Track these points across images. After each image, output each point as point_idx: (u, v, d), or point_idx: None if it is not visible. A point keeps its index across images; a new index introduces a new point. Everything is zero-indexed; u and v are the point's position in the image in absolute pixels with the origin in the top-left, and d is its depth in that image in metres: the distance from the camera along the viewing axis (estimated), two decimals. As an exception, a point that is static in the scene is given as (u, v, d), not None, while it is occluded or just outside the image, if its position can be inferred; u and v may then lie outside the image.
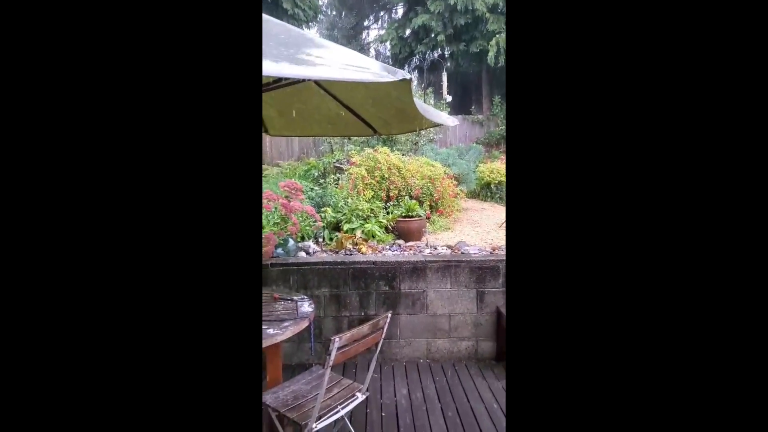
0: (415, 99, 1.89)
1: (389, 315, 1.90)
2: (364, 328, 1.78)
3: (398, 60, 12.71)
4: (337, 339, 1.63)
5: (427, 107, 2.12)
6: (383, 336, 1.91)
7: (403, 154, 5.89)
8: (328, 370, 1.69)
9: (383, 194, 4.76)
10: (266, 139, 8.52)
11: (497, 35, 10.07)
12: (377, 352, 2.00)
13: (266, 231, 3.29)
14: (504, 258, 3.26)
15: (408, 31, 12.17)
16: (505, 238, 4.32)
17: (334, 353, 1.64)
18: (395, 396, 2.72)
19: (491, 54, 10.02)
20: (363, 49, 15.41)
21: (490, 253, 3.50)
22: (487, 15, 10.19)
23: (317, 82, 2.20)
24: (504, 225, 4.96)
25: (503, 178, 6.64)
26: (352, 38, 17.98)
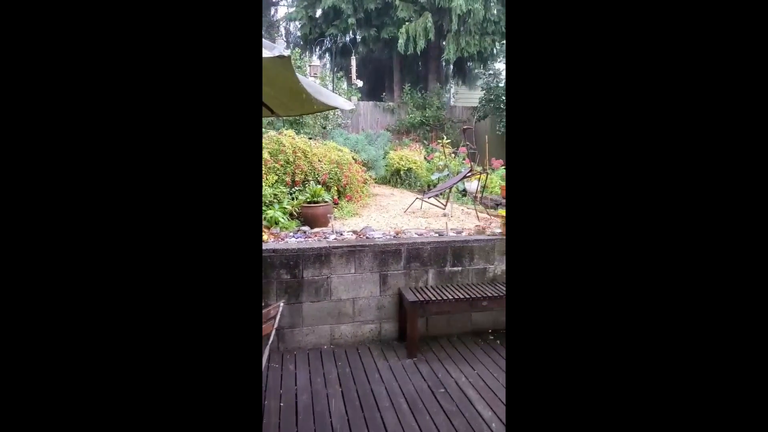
0: (310, 79, 1.81)
1: (281, 304, 1.84)
2: (253, 319, 1.70)
3: (308, 41, 12.29)
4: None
5: (321, 89, 2.05)
6: (275, 326, 1.84)
7: (310, 138, 5.74)
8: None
9: (288, 179, 4.60)
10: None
11: (407, 23, 10.19)
12: (269, 342, 1.93)
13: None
14: (406, 242, 3.36)
15: (318, 12, 11.79)
16: (412, 222, 4.44)
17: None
18: (296, 384, 2.67)
19: (401, 41, 10.13)
20: (271, 26, 14.65)
21: (394, 236, 3.57)
22: (397, 2, 10.24)
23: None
24: (408, 209, 5.10)
25: (412, 165, 6.81)
26: (259, 14, 16.96)
